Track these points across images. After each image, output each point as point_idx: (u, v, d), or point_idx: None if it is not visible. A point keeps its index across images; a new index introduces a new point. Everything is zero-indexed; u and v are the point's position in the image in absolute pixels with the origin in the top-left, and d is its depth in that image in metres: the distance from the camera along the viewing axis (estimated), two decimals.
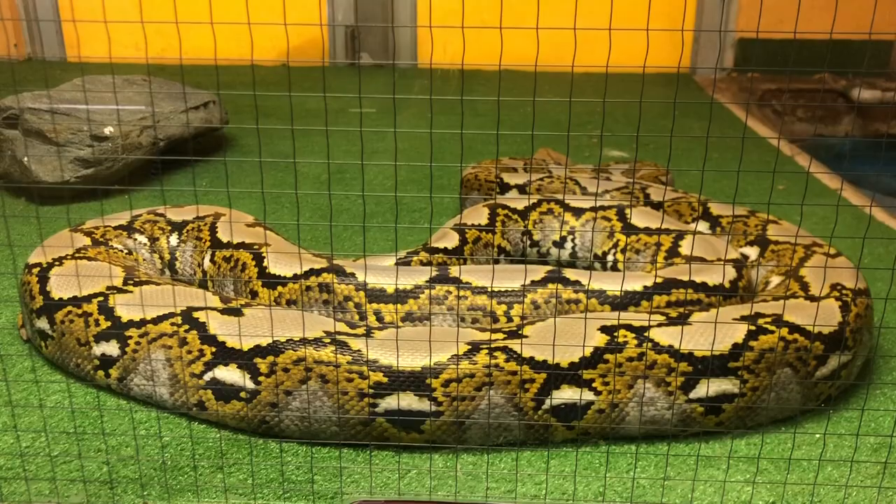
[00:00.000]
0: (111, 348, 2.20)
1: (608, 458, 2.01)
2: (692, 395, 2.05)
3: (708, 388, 2.04)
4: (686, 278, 2.40)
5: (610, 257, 2.97)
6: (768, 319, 2.13)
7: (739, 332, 2.08)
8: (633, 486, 1.90)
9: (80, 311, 2.24)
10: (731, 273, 2.49)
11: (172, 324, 2.13)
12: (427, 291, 2.40)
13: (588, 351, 2.02)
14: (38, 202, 3.76)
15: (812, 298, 2.31)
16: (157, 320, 2.15)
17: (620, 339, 2.04)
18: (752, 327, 2.09)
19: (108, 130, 3.78)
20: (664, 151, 3.17)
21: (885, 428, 2.16)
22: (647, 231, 2.86)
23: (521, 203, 3.13)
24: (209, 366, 2.08)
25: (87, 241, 2.66)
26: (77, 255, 2.52)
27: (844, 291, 2.33)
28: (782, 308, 2.19)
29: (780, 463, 2.00)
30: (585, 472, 1.96)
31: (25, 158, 3.69)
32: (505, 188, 3.53)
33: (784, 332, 2.10)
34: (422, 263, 2.66)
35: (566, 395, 2.02)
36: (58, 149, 3.69)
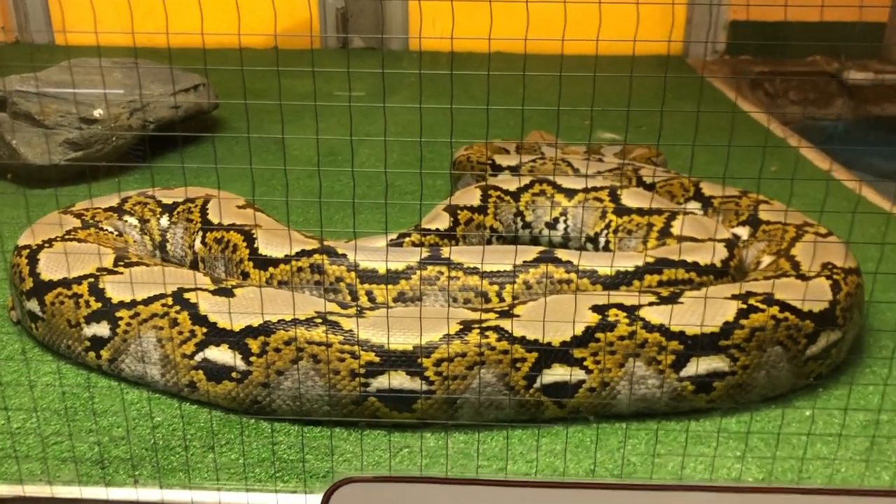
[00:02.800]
0: (102, 329, 2.19)
1: (598, 435, 2.02)
2: (683, 373, 2.05)
3: (698, 366, 2.05)
4: (677, 258, 2.41)
5: (602, 238, 2.97)
6: (759, 298, 2.14)
7: (730, 310, 2.08)
8: (623, 464, 1.91)
9: (70, 293, 2.23)
10: (722, 253, 2.49)
11: (163, 304, 2.13)
12: (419, 272, 2.39)
13: (579, 330, 2.02)
14: (25, 184, 3.73)
15: (803, 277, 2.32)
16: (148, 301, 2.14)
17: (612, 318, 2.05)
18: (743, 306, 2.10)
19: (97, 113, 3.75)
20: (657, 134, 3.19)
21: (875, 403, 2.17)
22: (639, 211, 2.86)
23: (512, 184, 3.13)
24: (200, 346, 2.07)
25: (77, 222, 2.64)
26: (67, 236, 2.50)
27: (835, 270, 2.34)
28: (773, 287, 2.19)
29: (770, 439, 2.01)
30: (576, 449, 1.97)
31: (14, 141, 3.66)
32: (497, 170, 3.53)
33: (774, 310, 2.11)
34: (413, 244, 2.66)
35: (557, 373, 2.02)
36: (46, 131, 3.66)
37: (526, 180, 3.15)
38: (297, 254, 2.44)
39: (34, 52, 6.55)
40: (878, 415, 2.07)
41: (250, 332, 2.03)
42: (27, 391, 2.14)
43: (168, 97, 4.11)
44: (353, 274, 2.39)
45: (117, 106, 3.86)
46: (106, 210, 2.78)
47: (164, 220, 2.84)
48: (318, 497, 1.34)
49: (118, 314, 2.16)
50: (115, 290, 2.20)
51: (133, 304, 2.16)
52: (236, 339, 2.04)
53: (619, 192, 3.00)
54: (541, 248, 2.51)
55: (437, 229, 2.75)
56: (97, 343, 2.21)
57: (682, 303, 2.11)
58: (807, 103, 6.19)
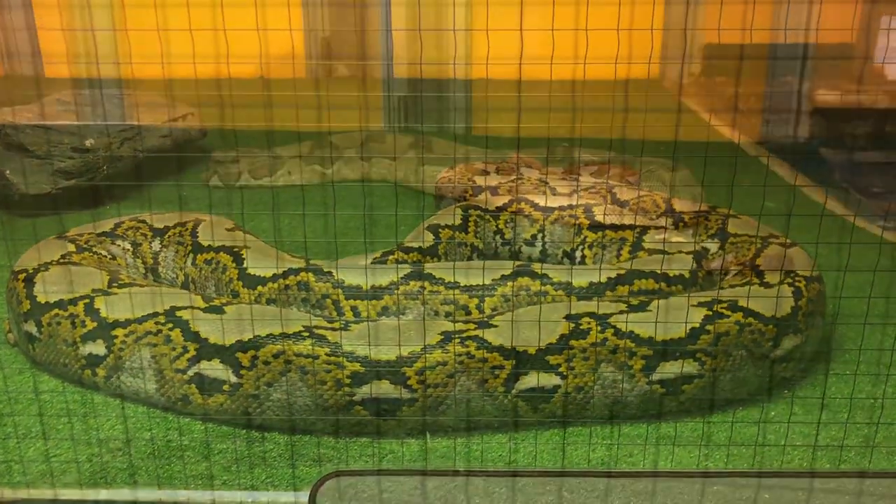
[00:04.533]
0: (98, 348, 2.28)
1: (564, 435, 2.12)
2: (652, 377, 2.16)
3: (667, 370, 2.16)
4: (648, 270, 2.53)
5: (578, 253, 3.09)
6: (724, 305, 2.25)
7: (697, 317, 2.20)
8: (589, 462, 2.01)
9: (66, 314, 2.32)
10: (690, 264, 2.61)
11: (156, 322, 2.22)
12: (401, 287, 2.50)
13: (554, 337, 2.13)
14: (18, 213, 3.82)
15: (767, 286, 2.44)
16: (142, 319, 2.24)
17: (584, 327, 2.16)
18: (709, 312, 2.21)
19: (88, 142, 3.86)
20: (633, 153, 3.34)
21: (835, 404, 2.28)
22: (613, 227, 2.99)
23: (492, 204, 3.25)
24: (193, 361, 2.16)
25: (72, 247, 2.74)
26: (62, 260, 2.60)
27: (797, 279, 2.46)
28: (737, 295, 2.31)
29: (735, 437, 2.12)
30: (553, 451, 2.07)
31: (7, 171, 3.76)
32: (477, 191, 3.64)
33: (739, 316, 2.22)
34: (397, 262, 2.76)
35: (534, 379, 2.12)
36: (39, 161, 3.76)
37: (505, 199, 3.27)
38: (285, 272, 2.54)
39: (23, 84, 6.64)
40: (821, 400, 2.20)
41: (240, 346, 2.13)
42: (26, 408, 2.22)
43: (158, 126, 4.23)
44: (339, 290, 2.50)
45: (108, 136, 3.97)
46: (99, 235, 2.88)
47: (156, 244, 2.94)
48: (307, 493, 1.43)
49: (113, 333, 2.25)
50: (110, 309, 2.29)
51: (127, 322, 2.25)
52: (227, 354, 2.13)
53: (593, 209, 3.12)
54: (518, 263, 2.62)
55: (419, 247, 2.86)
56: (93, 361, 2.29)
57: (650, 311, 2.23)
58: (778, 122, 6.36)
